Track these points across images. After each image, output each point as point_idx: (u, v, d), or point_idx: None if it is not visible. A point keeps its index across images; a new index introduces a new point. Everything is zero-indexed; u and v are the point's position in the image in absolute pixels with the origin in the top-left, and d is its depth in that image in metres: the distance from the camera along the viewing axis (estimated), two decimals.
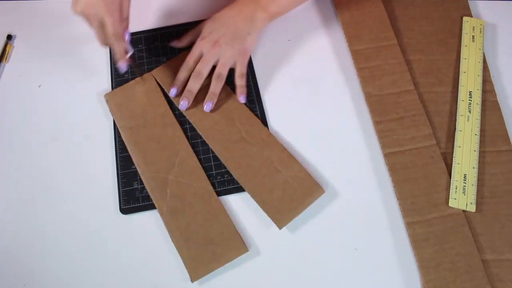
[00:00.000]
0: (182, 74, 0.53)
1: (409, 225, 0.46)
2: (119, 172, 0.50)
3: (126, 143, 0.51)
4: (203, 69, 0.52)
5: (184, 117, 0.53)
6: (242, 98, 0.52)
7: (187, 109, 0.52)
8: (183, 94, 0.52)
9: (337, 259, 0.45)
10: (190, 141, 0.51)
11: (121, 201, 0.49)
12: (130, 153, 0.51)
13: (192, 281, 0.44)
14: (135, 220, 0.48)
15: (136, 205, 0.49)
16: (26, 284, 0.46)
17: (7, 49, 0.59)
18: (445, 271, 0.44)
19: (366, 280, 0.45)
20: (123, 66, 0.50)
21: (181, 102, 0.52)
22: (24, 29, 0.61)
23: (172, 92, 0.53)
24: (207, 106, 0.51)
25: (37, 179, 0.51)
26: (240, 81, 0.53)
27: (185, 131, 0.52)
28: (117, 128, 0.52)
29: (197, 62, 0.52)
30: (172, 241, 0.46)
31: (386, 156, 0.49)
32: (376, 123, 0.51)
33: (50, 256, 0.47)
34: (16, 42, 0.60)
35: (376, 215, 0.47)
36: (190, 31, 0.56)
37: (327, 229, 0.47)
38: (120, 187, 0.50)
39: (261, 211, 0.47)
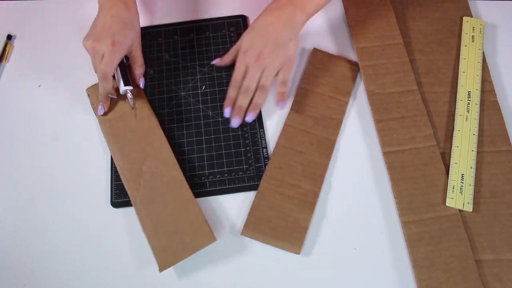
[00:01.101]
0: (232, 93, 0.52)
1: (405, 224, 0.47)
2: (113, 166, 0.52)
3: (104, 135, 0.53)
4: (251, 85, 0.51)
5: (160, 109, 0.55)
6: (281, 105, 0.52)
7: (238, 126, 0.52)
8: (234, 112, 0.52)
9: (336, 258, 0.46)
10: (166, 132, 0.53)
11: (113, 194, 0.50)
12: (108, 146, 0.52)
13: (160, 270, 0.45)
14: (124, 214, 0.49)
15: (127, 199, 0.50)
16: (26, 284, 0.47)
17: (7, 49, 0.60)
18: (439, 271, 0.44)
19: (362, 278, 0.45)
20: (101, 109, 0.52)
21: (233, 120, 0.52)
22: (24, 29, 0.61)
23: (226, 113, 0.52)
24: (250, 116, 0.51)
25: (37, 179, 0.52)
26: (281, 88, 0.52)
27: (161, 123, 0.53)
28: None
29: (243, 76, 0.52)
30: (143, 231, 0.47)
31: (385, 154, 0.50)
32: (377, 121, 0.52)
33: (49, 255, 0.48)
34: (16, 42, 0.61)
35: (374, 213, 0.48)
36: (232, 48, 0.55)
37: (327, 228, 0.48)
38: (113, 181, 0.51)
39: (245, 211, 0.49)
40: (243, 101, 0.52)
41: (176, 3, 0.62)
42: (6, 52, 0.59)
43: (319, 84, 0.55)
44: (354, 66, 0.56)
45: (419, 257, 0.45)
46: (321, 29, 0.59)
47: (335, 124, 0.52)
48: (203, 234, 0.46)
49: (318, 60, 0.56)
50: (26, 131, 0.54)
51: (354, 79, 0.55)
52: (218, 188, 0.50)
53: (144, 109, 0.54)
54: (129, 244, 0.48)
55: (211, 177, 0.50)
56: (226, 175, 0.50)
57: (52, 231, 0.49)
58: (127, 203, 0.49)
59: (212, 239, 0.46)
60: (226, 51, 0.57)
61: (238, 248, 0.47)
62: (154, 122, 0.53)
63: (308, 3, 0.51)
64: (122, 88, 0.50)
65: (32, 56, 0.59)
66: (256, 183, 0.50)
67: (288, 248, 0.46)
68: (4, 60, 0.59)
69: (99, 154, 0.53)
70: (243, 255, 0.47)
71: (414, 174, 0.49)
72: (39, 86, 0.57)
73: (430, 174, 0.49)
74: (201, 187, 0.50)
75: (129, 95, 0.51)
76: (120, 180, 0.50)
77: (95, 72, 0.51)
